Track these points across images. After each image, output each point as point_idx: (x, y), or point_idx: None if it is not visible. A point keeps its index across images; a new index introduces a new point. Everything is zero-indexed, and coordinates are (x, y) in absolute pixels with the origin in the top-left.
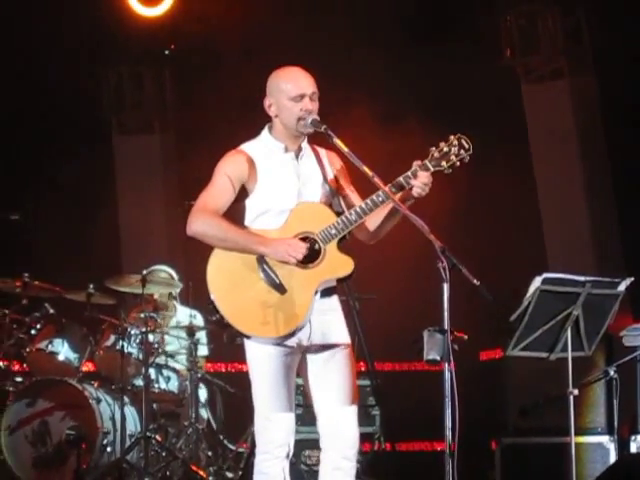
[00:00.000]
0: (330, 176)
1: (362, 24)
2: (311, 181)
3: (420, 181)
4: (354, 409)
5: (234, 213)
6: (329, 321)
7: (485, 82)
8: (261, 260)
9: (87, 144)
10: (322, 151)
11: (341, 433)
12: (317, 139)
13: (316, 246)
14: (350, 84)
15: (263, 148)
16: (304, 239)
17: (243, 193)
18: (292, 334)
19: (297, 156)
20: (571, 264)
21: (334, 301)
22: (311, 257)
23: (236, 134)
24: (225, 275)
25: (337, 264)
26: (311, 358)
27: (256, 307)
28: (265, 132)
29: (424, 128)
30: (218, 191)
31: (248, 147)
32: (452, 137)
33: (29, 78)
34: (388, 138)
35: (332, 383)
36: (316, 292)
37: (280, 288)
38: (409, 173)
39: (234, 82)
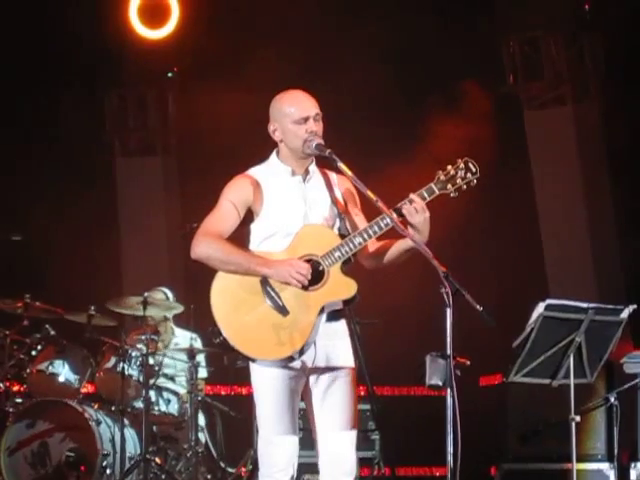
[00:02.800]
0: (338, 200)
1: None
2: (318, 204)
3: (413, 206)
4: (353, 435)
5: (240, 237)
6: (334, 345)
7: (487, 108)
8: (264, 282)
9: (89, 165)
10: (332, 175)
11: (337, 459)
12: (327, 163)
13: (320, 268)
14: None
15: (270, 172)
16: (308, 261)
17: (249, 217)
18: (295, 356)
19: (304, 179)
20: (572, 290)
21: (341, 325)
22: (315, 279)
23: (239, 157)
24: (228, 297)
25: (340, 286)
26: (314, 381)
27: (259, 329)
28: (273, 156)
29: (424, 154)
30: (222, 215)
31: (255, 171)
32: (459, 160)
33: (33, 99)
34: (393, 163)
35: (332, 407)
36: (320, 314)
37: (283, 310)
38: (405, 200)
39: (237, 105)
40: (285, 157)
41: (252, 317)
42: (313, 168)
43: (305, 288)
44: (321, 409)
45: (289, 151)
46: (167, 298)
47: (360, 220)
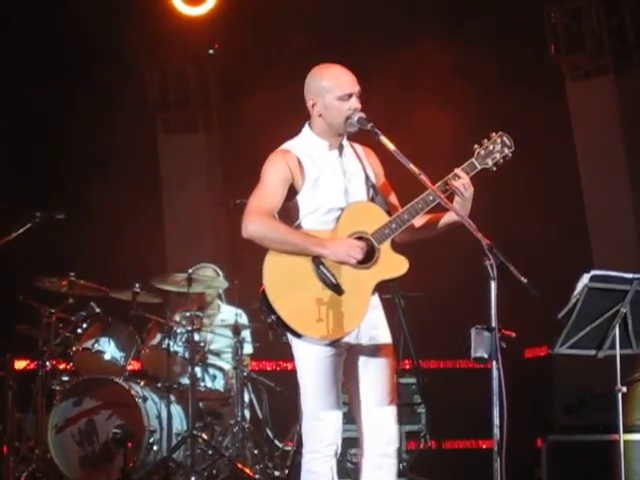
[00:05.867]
0: (370, 172)
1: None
2: (355, 178)
3: (460, 182)
4: (393, 408)
5: (280, 212)
6: (374, 319)
7: (530, 78)
8: (317, 261)
9: (131, 142)
10: (358, 147)
11: (380, 431)
12: (354, 136)
13: (370, 246)
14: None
15: (307, 146)
16: (358, 239)
17: (291, 192)
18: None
19: (340, 153)
20: (616, 261)
21: (376, 298)
22: (366, 257)
23: (280, 132)
24: (282, 276)
25: (392, 264)
26: (353, 357)
27: (314, 308)
28: (306, 130)
29: (467, 125)
30: (269, 192)
31: (292, 146)
32: (494, 134)
33: (76, 76)
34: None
35: (371, 382)
36: (373, 292)
37: (337, 289)
38: (450, 175)
39: (278, 80)
40: (321, 131)
41: (306, 296)
42: (345, 142)
43: (358, 267)
44: (359, 384)
45: (327, 126)
46: (218, 274)
47: (389, 191)
